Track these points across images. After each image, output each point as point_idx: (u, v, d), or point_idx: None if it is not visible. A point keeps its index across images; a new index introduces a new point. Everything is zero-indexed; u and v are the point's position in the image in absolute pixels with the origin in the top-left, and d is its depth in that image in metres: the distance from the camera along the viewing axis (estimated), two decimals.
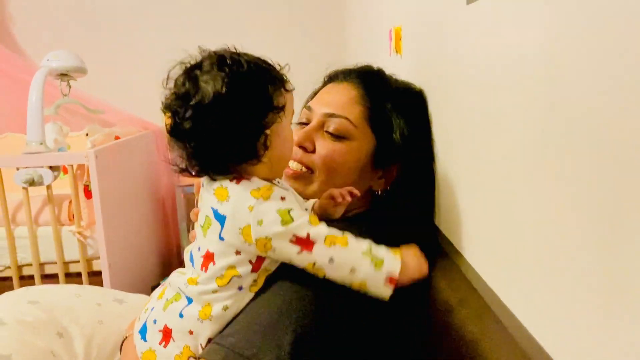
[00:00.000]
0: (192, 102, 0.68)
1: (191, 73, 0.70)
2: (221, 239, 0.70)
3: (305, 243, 0.67)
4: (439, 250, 0.89)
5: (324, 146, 0.89)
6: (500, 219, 0.66)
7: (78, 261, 2.01)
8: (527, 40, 0.56)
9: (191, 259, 0.75)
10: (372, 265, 0.68)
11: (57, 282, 2.00)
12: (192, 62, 0.72)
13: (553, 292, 0.52)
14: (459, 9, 0.78)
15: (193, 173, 0.73)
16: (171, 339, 0.73)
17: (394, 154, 0.92)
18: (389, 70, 1.02)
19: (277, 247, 0.68)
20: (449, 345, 0.72)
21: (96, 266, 2.02)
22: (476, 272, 0.75)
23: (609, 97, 0.42)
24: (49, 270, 2.05)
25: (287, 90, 0.73)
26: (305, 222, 0.68)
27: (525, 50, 0.56)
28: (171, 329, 0.73)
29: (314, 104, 0.95)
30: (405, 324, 0.84)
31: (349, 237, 0.69)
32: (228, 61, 0.69)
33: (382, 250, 0.70)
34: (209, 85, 0.68)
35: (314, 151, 0.90)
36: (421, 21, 1.04)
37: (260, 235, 0.68)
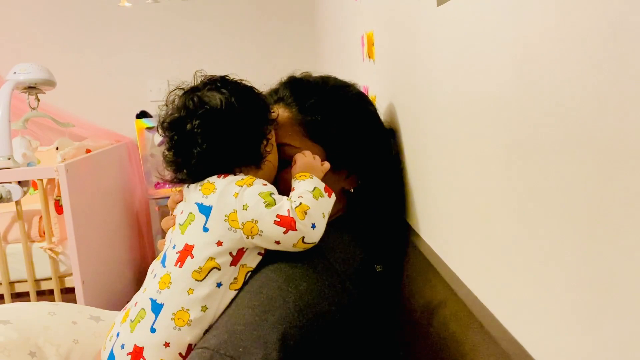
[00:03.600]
0: (201, 112, 0.76)
1: (193, 92, 0.79)
2: (205, 230, 0.73)
3: (288, 222, 0.72)
4: (413, 247, 0.90)
5: (285, 173, 0.88)
6: (475, 218, 0.66)
7: (50, 278, 1.96)
8: (498, 41, 0.56)
9: (163, 261, 0.76)
10: (323, 198, 0.77)
11: (29, 300, 1.94)
12: (191, 85, 0.81)
13: (531, 291, 0.52)
14: (429, 11, 0.78)
15: (191, 180, 0.79)
16: (141, 359, 0.71)
17: (345, 154, 0.92)
18: (363, 76, 1.02)
19: (263, 230, 0.72)
20: (430, 345, 0.72)
21: (69, 283, 1.98)
22: (454, 273, 0.75)
23: (581, 98, 0.42)
24: (19, 288, 2.00)
25: (272, 112, 0.85)
26: (285, 202, 0.74)
27: (496, 50, 0.57)
28: (142, 347, 0.71)
29: None
30: (387, 325, 0.85)
31: (304, 192, 0.76)
32: (227, 82, 0.81)
33: (304, 183, 0.78)
34: (216, 98, 0.77)
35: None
36: (392, 25, 1.05)
37: (246, 219, 0.72)
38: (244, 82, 0.83)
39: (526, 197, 0.52)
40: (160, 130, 0.81)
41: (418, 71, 0.88)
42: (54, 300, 1.95)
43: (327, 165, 0.84)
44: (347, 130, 0.93)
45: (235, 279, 0.73)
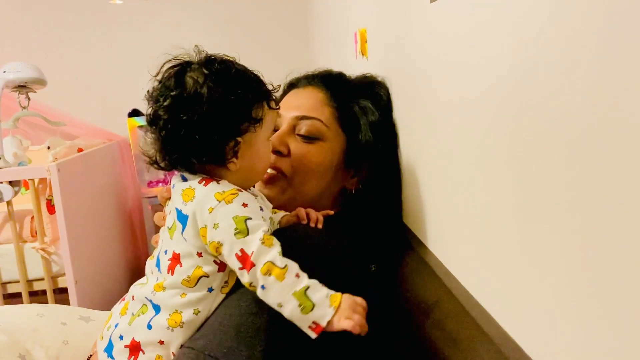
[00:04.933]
0: (173, 93, 0.70)
1: (181, 68, 0.73)
2: (184, 239, 0.70)
3: (247, 262, 0.65)
4: (409, 247, 0.90)
5: (298, 148, 0.90)
6: (470, 217, 0.66)
7: (42, 279, 1.95)
8: (492, 37, 0.56)
9: (157, 265, 0.74)
10: (298, 309, 0.63)
11: (21, 301, 1.93)
12: (186, 59, 0.75)
13: (527, 290, 0.52)
14: (422, 8, 0.78)
15: (162, 166, 0.74)
16: (140, 352, 0.71)
17: (363, 153, 0.93)
18: (356, 73, 1.02)
19: (225, 255, 0.67)
20: (426, 344, 0.71)
21: (62, 283, 1.96)
22: (450, 273, 0.74)
23: (578, 96, 0.42)
24: (11, 289, 1.98)
25: (270, 108, 0.75)
26: (256, 239, 0.65)
27: (491, 47, 0.56)
28: (139, 342, 0.71)
29: (282, 110, 0.95)
30: (382, 324, 0.84)
31: (290, 270, 0.64)
32: (216, 64, 0.73)
33: (319, 293, 0.64)
34: (192, 80, 0.71)
35: (288, 154, 0.90)
36: (386, 22, 1.04)
37: (213, 239, 0.67)
38: (251, 70, 0.76)
39: (521, 196, 0.52)
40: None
41: (411, 68, 0.87)
42: (46, 301, 1.93)
43: (359, 328, 0.65)
44: (378, 129, 0.94)
45: (226, 282, 0.72)
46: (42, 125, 2.36)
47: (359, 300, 0.66)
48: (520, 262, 0.53)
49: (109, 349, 0.74)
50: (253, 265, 0.65)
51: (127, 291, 0.79)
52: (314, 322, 0.63)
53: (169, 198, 0.80)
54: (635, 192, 0.36)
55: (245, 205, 0.69)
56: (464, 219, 0.69)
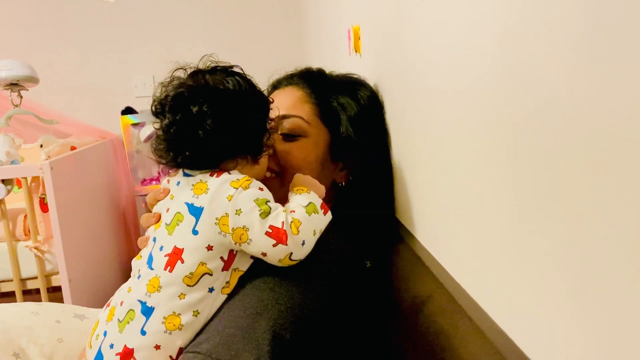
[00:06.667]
0: (212, 92, 0.73)
1: (198, 75, 0.76)
2: (194, 232, 0.70)
3: (280, 235, 0.69)
4: (401, 241, 0.91)
5: (282, 146, 0.92)
6: (464, 213, 0.66)
7: (36, 277, 1.94)
8: (486, 34, 0.56)
9: (149, 262, 0.73)
10: (317, 214, 0.74)
11: (14, 300, 1.92)
12: (194, 68, 0.77)
13: (520, 285, 0.52)
14: (415, 5, 0.78)
15: (186, 166, 0.75)
16: (132, 359, 0.70)
17: (348, 145, 0.95)
18: (349, 71, 1.03)
19: (253, 239, 0.69)
20: (419, 339, 0.71)
21: (55, 282, 1.95)
22: (443, 268, 0.75)
23: (570, 93, 0.42)
24: (5, 288, 1.98)
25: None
26: (280, 212, 0.71)
27: (484, 43, 0.57)
28: (132, 349, 0.70)
29: None
30: (376, 320, 0.85)
31: (297, 207, 0.73)
32: (234, 71, 0.78)
33: (301, 198, 0.75)
34: (228, 81, 0.75)
35: (274, 154, 0.91)
36: (379, 18, 1.04)
37: (237, 225, 0.69)
38: (248, 76, 0.81)
39: (515, 192, 0.52)
40: (157, 110, 0.75)
41: (405, 65, 0.87)
42: (40, 300, 1.93)
43: (323, 188, 0.81)
44: (358, 123, 0.96)
45: (227, 282, 0.71)
46: (34, 124, 2.35)
47: (298, 177, 0.81)
48: (512, 256, 0.54)
49: (98, 358, 0.73)
50: (286, 234, 0.69)
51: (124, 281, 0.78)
52: (322, 207, 0.75)
53: (162, 199, 0.78)
54: (630, 186, 0.36)
55: (261, 189, 0.73)
56: (455, 213, 0.69)
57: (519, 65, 0.49)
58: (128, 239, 2.60)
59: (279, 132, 0.92)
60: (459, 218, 0.68)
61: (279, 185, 0.91)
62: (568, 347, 0.45)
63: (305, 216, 0.72)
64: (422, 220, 0.85)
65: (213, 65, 0.78)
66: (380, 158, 1.00)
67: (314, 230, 0.73)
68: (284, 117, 0.92)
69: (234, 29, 2.79)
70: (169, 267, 0.70)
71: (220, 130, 0.72)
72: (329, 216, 0.76)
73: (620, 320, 0.38)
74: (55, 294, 1.96)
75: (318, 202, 0.75)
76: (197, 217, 0.70)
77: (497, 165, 0.55)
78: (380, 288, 0.90)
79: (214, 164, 0.75)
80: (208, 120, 0.71)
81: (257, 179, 0.77)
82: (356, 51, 1.26)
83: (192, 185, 0.73)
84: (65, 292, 1.85)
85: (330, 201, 0.95)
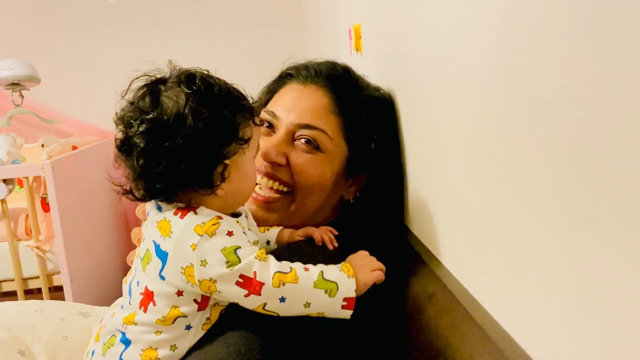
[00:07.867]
0: (150, 117, 0.63)
1: (154, 87, 0.66)
2: (162, 278, 0.64)
3: (253, 285, 0.62)
4: (410, 250, 0.89)
5: (298, 158, 0.84)
6: (466, 213, 0.66)
7: (37, 277, 1.94)
8: (487, 32, 0.56)
9: (130, 294, 0.70)
10: (326, 295, 0.63)
11: (16, 300, 1.92)
12: (158, 76, 0.68)
13: (522, 285, 0.52)
14: (417, 3, 0.78)
15: (137, 196, 0.67)
16: None
17: (365, 163, 0.89)
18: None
19: (222, 290, 0.63)
20: (421, 340, 0.71)
21: (57, 281, 1.96)
22: (446, 269, 0.75)
23: (569, 93, 0.42)
24: (6, 287, 1.98)
25: (255, 124, 0.70)
26: (252, 261, 0.63)
27: (486, 42, 0.57)
28: None
29: (279, 109, 0.88)
30: (379, 320, 0.84)
31: (298, 269, 0.64)
32: (197, 81, 0.65)
33: (333, 272, 0.65)
34: (171, 102, 0.63)
35: (287, 164, 0.84)
36: (379, 17, 1.04)
37: (203, 277, 0.62)
38: (232, 85, 0.69)
39: (516, 190, 0.52)
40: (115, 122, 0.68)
41: (406, 64, 0.87)
42: (42, 299, 1.93)
43: (379, 274, 0.70)
44: (380, 143, 0.89)
45: (207, 319, 0.67)
46: (35, 123, 2.35)
47: (362, 253, 0.68)
48: (515, 257, 0.54)
49: None
50: (262, 284, 0.62)
51: (122, 289, 0.78)
52: (344, 299, 0.64)
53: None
54: (631, 186, 0.36)
55: (230, 233, 0.64)
56: (458, 214, 0.69)
57: (522, 66, 0.49)
58: (129, 238, 2.60)
59: (295, 139, 0.85)
60: (461, 218, 0.69)
61: (288, 203, 0.85)
62: (570, 347, 0.45)
63: (306, 283, 0.63)
64: (424, 219, 0.84)
65: (176, 74, 0.67)
66: (392, 169, 0.95)
67: (306, 303, 0.63)
68: (307, 126, 0.84)
69: (234, 28, 2.79)
70: (142, 307, 0.66)
71: (152, 163, 0.63)
72: (345, 312, 0.64)
73: (620, 320, 0.38)
74: (56, 293, 1.97)
75: (346, 292, 0.64)
76: (164, 262, 0.64)
77: (498, 165, 0.55)
78: (381, 288, 0.89)
79: (165, 196, 0.66)
80: (138, 151, 0.63)
81: (233, 207, 0.71)
82: (357, 50, 1.27)
83: (157, 222, 0.66)
84: (67, 292, 1.85)
85: (336, 215, 0.92)
